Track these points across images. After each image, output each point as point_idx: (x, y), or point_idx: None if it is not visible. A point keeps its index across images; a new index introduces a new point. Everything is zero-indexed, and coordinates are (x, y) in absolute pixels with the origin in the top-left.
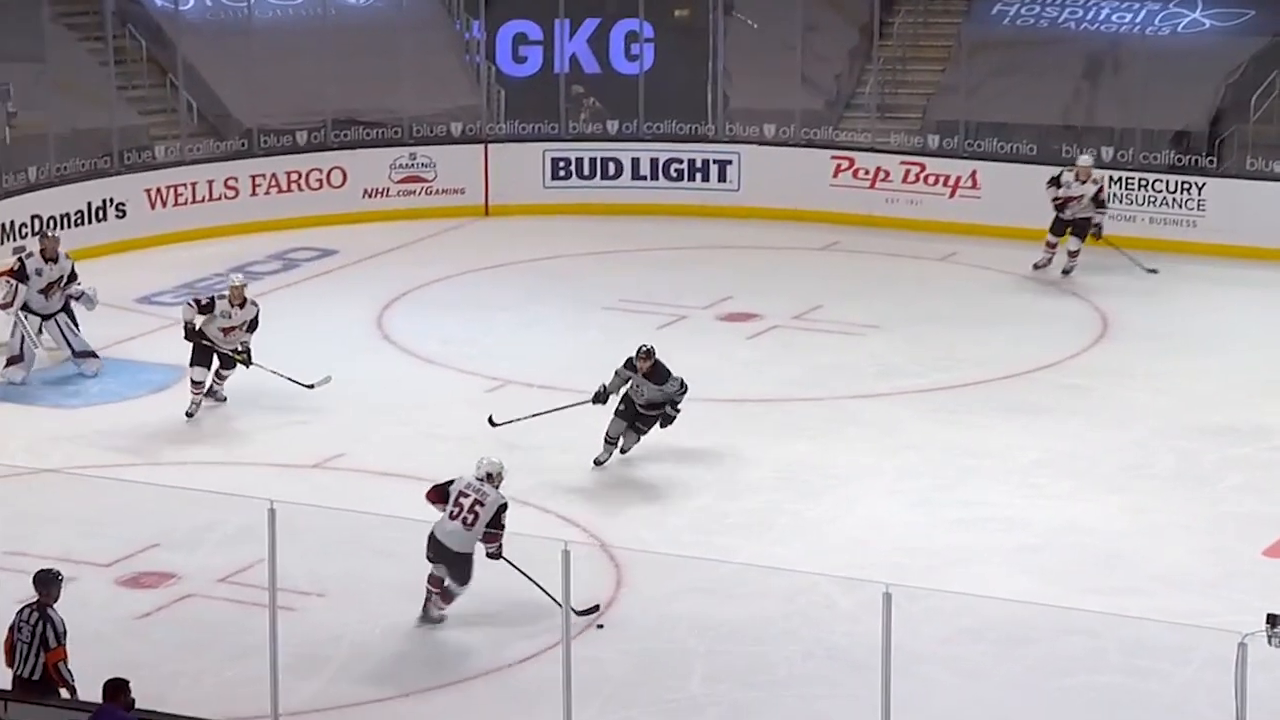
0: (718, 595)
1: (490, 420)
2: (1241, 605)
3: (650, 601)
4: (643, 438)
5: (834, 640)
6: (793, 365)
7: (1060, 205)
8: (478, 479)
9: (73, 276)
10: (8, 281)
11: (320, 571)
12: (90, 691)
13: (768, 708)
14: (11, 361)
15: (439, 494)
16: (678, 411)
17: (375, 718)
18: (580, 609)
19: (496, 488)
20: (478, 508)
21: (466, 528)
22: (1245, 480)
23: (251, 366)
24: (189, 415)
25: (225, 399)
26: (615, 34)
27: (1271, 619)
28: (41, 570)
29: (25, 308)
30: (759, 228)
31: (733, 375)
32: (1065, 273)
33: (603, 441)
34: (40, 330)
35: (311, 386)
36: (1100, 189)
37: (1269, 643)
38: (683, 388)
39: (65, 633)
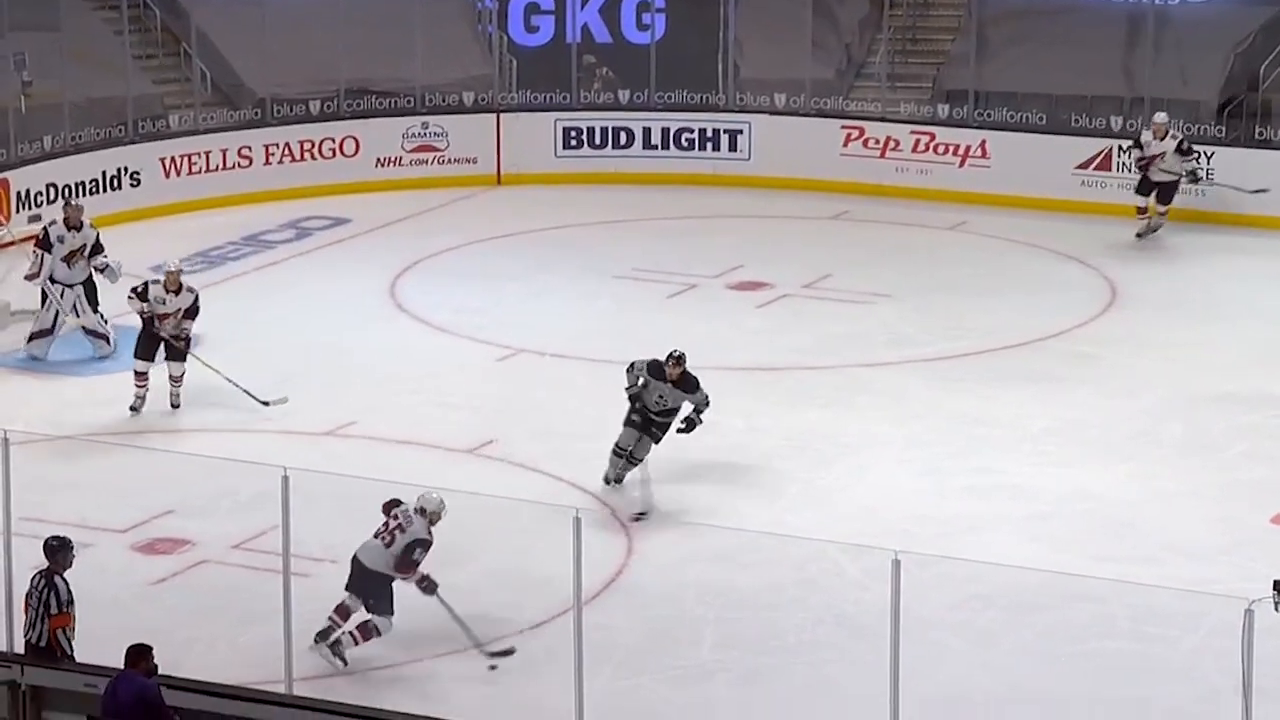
0: (728, 563)
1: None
2: (1249, 572)
3: (661, 569)
4: (655, 446)
5: (844, 607)
6: (803, 334)
7: (1145, 165)
8: (414, 509)
9: (98, 247)
10: (34, 251)
11: (333, 538)
12: (106, 656)
13: (778, 674)
14: (39, 335)
15: (386, 509)
16: (701, 420)
17: (387, 682)
18: (496, 650)
19: (430, 524)
20: (398, 532)
21: (384, 546)
22: (1254, 448)
23: (191, 358)
24: (133, 410)
25: (179, 405)
26: (627, 4)
27: (1278, 585)
28: (51, 537)
29: (51, 279)
30: (769, 197)
31: (743, 344)
32: (1153, 230)
33: (611, 454)
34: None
35: (267, 404)
36: (1180, 141)
37: (1275, 609)
38: (708, 401)
39: (70, 600)
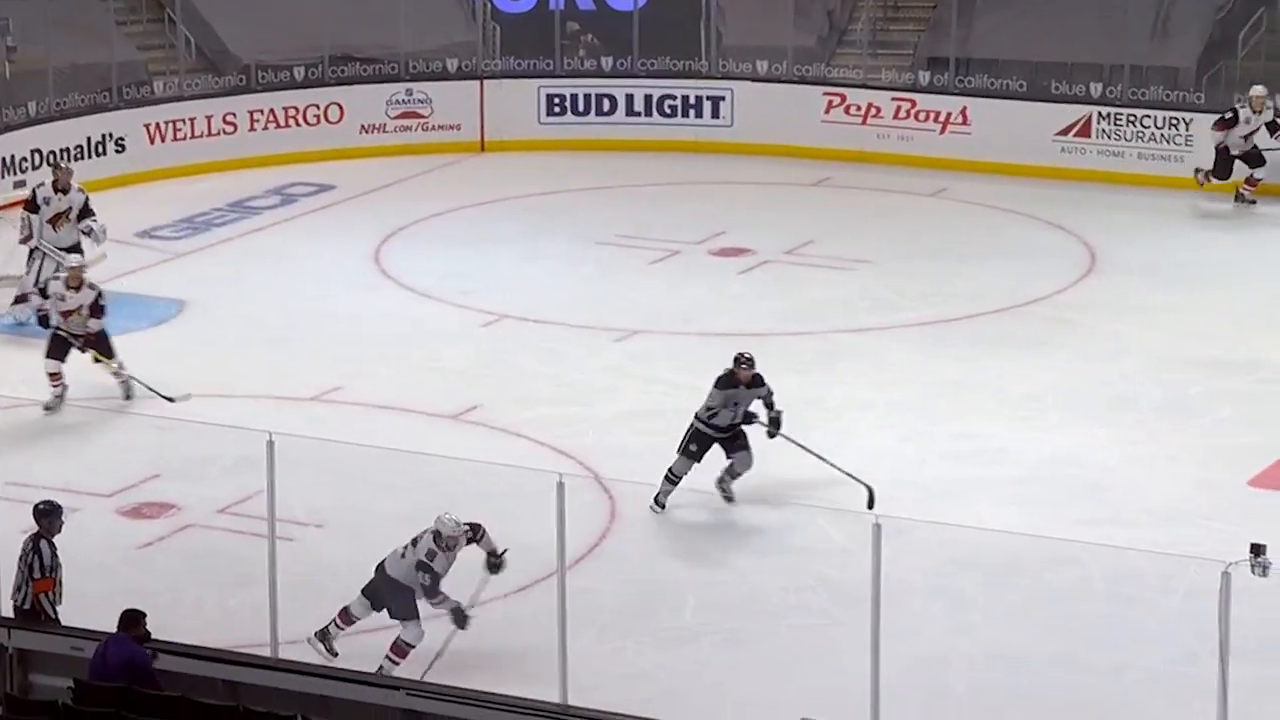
0: (711, 527)
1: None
2: (1227, 535)
3: (644, 533)
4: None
5: (826, 572)
6: (784, 300)
7: (1247, 145)
8: (432, 530)
9: (86, 211)
10: (23, 215)
11: (318, 503)
12: (92, 620)
13: (761, 638)
14: (21, 299)
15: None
16: (780, 412)
17: (372, 646)
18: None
19: (442, 547)
20: (410, 547)
21: (399, 555)
22: (1231, 412)
23: (92, 356)
24: (47, 409)
25: (131, 396)
26: None
27: (1254, 549)
28: (41, 502)
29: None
30: (752, 163)
31: (725, 309)
32: (1251, 201)
33: (663, 480)
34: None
35: (171, 400)
36: (1275, 115)
37: (1252, 572)
38: (772, 390)
39: (54, 566)
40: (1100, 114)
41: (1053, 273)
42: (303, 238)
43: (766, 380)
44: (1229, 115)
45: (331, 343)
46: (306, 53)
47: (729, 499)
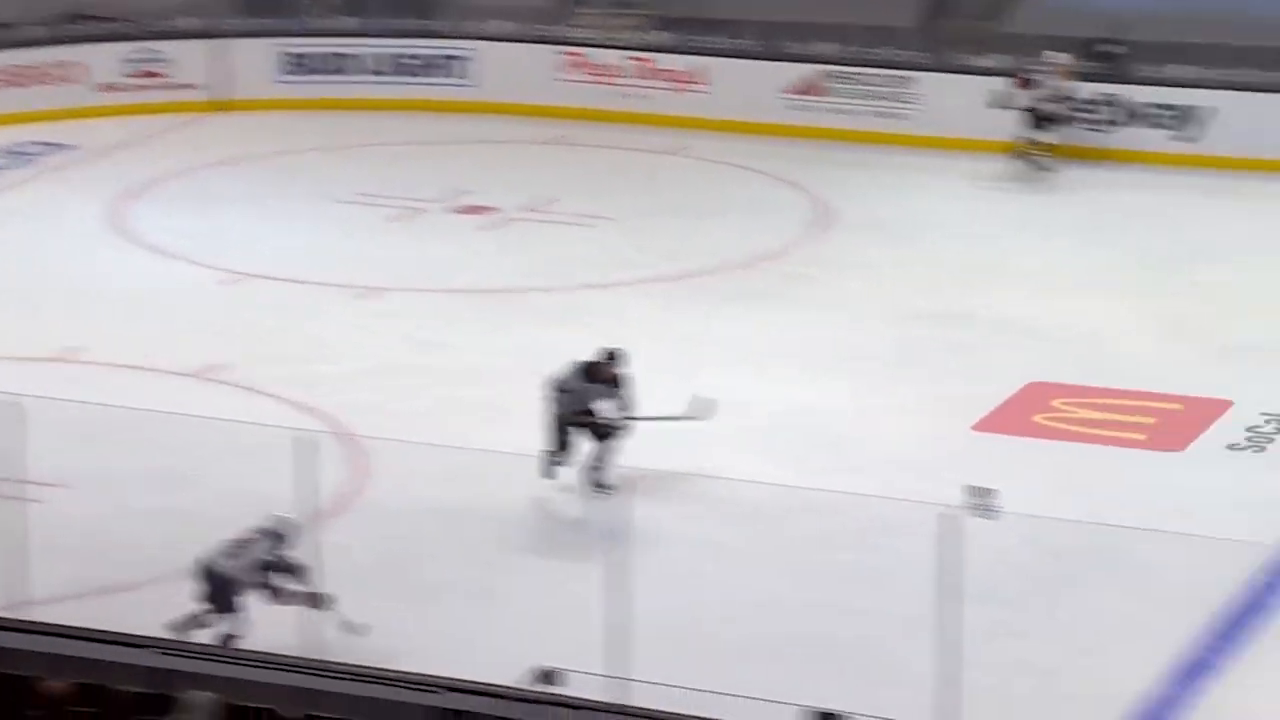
0: (459, 481)
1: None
2: (954, 480)
3: (393, 489)
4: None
5: (572, 523)
6: (527, 256)
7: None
8: (259, 529)
9: None
10: None
11: (63, 463)
12: None
13: (513, 589)
14: None
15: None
16: (626, 422)
17: (122, 606)
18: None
19: (274, 547)
20: (239, 549)
21: (227, 555)
22: (957, 363)
23: None
24: None
25: None
26: None
27: (972, 491)
28: None
29: None
30: (492, 122)
31: (468, 266)
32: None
33: (547, 457)
34: None
35: None
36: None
37: (974, 512)
38: (631, 402)
39: None
40: (830, 73)
41: (787, 228)
42: (40, 197)
43: (629, 385)
44: (1027, 77)
45: (72, 302)
46: (41, 10)
47: (607, 488)
